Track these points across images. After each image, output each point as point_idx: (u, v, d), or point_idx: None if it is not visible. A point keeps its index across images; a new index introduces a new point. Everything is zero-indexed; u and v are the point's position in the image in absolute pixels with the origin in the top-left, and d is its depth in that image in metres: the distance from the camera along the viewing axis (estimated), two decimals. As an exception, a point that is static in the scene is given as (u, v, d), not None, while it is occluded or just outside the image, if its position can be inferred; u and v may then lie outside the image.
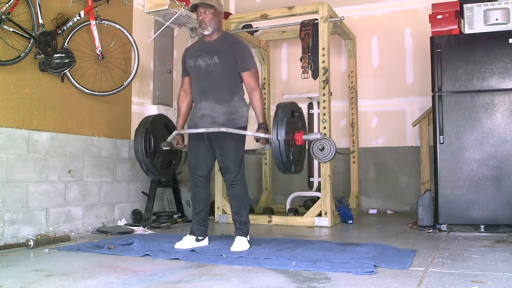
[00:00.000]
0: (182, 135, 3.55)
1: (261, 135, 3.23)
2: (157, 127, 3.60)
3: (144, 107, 5.04)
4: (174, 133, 3.47)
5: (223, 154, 3.33)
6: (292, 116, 3.20)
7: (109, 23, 4.30)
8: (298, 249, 3.17)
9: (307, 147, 4.51)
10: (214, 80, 3.32)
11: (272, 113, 6.23)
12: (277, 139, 3.02)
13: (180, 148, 3.59)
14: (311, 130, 5.80)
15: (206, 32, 3.34)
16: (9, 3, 3.49)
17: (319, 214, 4.58)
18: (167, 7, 4.93)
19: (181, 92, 3.56)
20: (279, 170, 3.19)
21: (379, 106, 5.92)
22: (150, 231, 4.25)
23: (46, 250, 3.29)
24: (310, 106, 5.68)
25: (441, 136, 4.17)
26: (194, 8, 3.36)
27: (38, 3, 3.74)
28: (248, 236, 3.35)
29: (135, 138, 3.51)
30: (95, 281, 2.39)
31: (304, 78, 4.93)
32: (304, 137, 3.27)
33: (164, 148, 3.56)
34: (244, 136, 3.34)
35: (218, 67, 3.29)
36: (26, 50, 3.66)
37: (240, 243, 3.22)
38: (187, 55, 3.46)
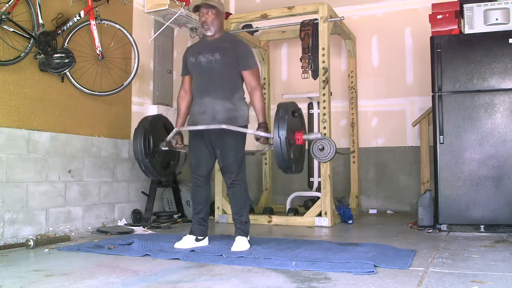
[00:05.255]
0: (181, 135, 3.54)
1: (262, 133, 3.23)
2: (156, 127, 3.59)
3: (144, 107, 5.04)
4: (174, 130, 3.45)
5: (224, 154, 3.33)
6: (292, 116, 3.21)
7: (109, 23, 4.30)
8: (298, 249, 3.17)
9: (307, 147, 4.51)
10: (215, 76, 3.32)
11: (273, 113, 6.25)
12: (279, 137, 3.04)
13: (179, 148, 3.57)
14: (311, 130, 5.80)
15: (209, 33, 3.35)
16: (9, 3, 3.49)
17: (319, 214, 4.58)
18: (167, 7, 4.94)
19: (181, 92, 3.56)
20: (280, 169, 3.20)
21: (379, 106, 5.92)
22: (150, 231, 4.25)
23: (46, 250, 3.29)
24: (310, 106, 5.68)
25: (441, 136, 4.16)
26: (196, 9, 3.36)
27: (38, 3, 3.74)
28: (248, 236, 3.35)
29: (134, 138, 3.50)
30: (95, 281, 2.39)
31: (304, 78, 4.93)
32: (305, 136, 3.29)
33: (163, 148, 3.54)
34: (245, 135, 3.34)
35: (219, 63, 3.29)
36: (26, 50, 3.66)
37: (241, 243, 3.22)
38: (189, 53, 3.46)
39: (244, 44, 3.45)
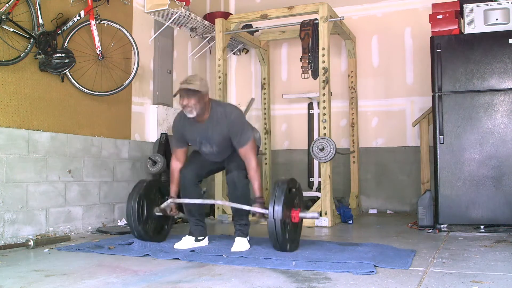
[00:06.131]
0: (175, 203, 3.49)
1: (258, 210, 3.18)
2: (150, 192, 3.51)
3: (144, 107, 5.04)
4: (168, 200, 3.40)
5: (229, 159, 3.42)
6: (289, 193, 3.14)
7: (109, 23, 4.30)
8: (298, 249, 3.17)
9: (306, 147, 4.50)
10: (219, 156, 3.44)
11: (272, 113, 6.27)
12: (273, 218, 2.95)
13: (173, 215, 3.54)
14: (311, 130, 5.81)
15: (190, 116, 3.22)
16: (9, 3, 3.49)
17: (319, 214, 4.57)
18: (167, 7, 4.94)
19: (173, 162, 3.48)
20: (274, 248, 3.12)
21: (379, 106, 5.92)
22: (150, 231, 4.25)
23: (46, 250, 3.29)
24: (310, 106, 5.68)
25: (441, 136, 4.16)
26: (178, 93, 3.22)
27: (38, 3, 3.74)
28: (248, 236, 3.35)
29: (127, 203, 3.40)
30: (95, 281, 2.39)
31: (304, 78, 4.93)
32: (301, 215, 3.20)
33: (157, 213, 3.49)
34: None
35: (219, 151, 3.38)
36: (26, 50, 3.66)
37: (241, 244, 3.22)
38: (188, 136, 3.42)
39: (235, 119, 3.30)
